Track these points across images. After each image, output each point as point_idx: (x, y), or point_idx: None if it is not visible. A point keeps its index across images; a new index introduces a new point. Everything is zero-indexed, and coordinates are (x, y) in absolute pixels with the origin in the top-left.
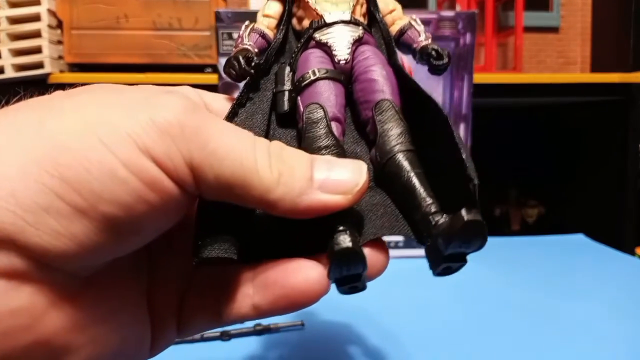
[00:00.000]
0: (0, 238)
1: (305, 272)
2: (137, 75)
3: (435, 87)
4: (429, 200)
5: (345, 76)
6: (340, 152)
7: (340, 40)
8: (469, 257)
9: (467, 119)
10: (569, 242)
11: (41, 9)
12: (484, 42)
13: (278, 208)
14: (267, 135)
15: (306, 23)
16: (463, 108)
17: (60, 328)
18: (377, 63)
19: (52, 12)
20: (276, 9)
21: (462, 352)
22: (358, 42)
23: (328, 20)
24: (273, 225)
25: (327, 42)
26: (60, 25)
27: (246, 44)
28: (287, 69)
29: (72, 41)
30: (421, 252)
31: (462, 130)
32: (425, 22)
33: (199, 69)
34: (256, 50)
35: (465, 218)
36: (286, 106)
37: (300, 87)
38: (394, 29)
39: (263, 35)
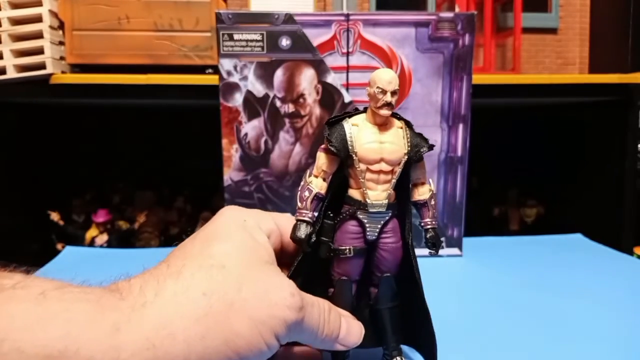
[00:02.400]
0: None
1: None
2: (139, 76)
3: (434, 88)
4: (392, 344)
5: (370, 244)
6: (353, 310)
7: (373, 225)
8: (465, 255)
9: (466, 120)
10: (567, 242)
11: (43, 10)
12: (482, 43)
13: (318, 347)
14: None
15: (354, 192)
16: (462, 108)
17: None
18: (392, 246)
19: (53, 13)
20: (332, 166)
21: (461, 350)
22: (385, 224)
23: (370, 208)
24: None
25: (365, 223)
26: (61, 26)
27: (307, 214)
28: (331, 224)
29: (73, 42)
30: (420, 252)
31: (460, 131)
32: (425, 23)
33: (199, 69)
34: (315, 217)
35: None
36: (325, 255)
37: (338, 254)
38: (414, 193)
39: (319, 198)
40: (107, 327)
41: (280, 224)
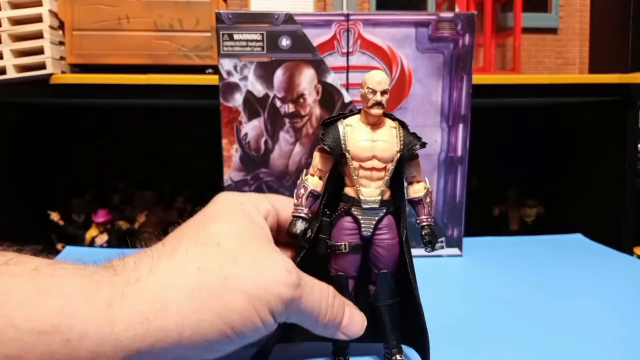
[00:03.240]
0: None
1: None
2: (139, 76)
3: (434, 88)
4: (392, 342)
5: (365, 240)
6: (352, 302)
7: (368, 220)
8: (465, 255)
9: (466, 120)
10: (567, 242)
11: (43, 10)
12: (482, 43)
13: (319, 334)
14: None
15: (348, 190)
16: (462, 109)
17: None
18: (388, 242)
19: (53, 13)
20: (327, 164)
21: (461, 350)
22: (380, 220)
23: (363, 204)
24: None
25: (359, 219)
26: (61, 26)
27: (303, 211)
28: (328, 221)
29: (73, 42)
30: (420, 251)
31: (460, 131)
32: (425, 23)
33: (200, 69)
34: (310, 215)
35: None
36: (323, 252)
37: (334, 250)
38: (410, 191)
39: (315, 195)
40: (101, 301)
41: (275, 205)
